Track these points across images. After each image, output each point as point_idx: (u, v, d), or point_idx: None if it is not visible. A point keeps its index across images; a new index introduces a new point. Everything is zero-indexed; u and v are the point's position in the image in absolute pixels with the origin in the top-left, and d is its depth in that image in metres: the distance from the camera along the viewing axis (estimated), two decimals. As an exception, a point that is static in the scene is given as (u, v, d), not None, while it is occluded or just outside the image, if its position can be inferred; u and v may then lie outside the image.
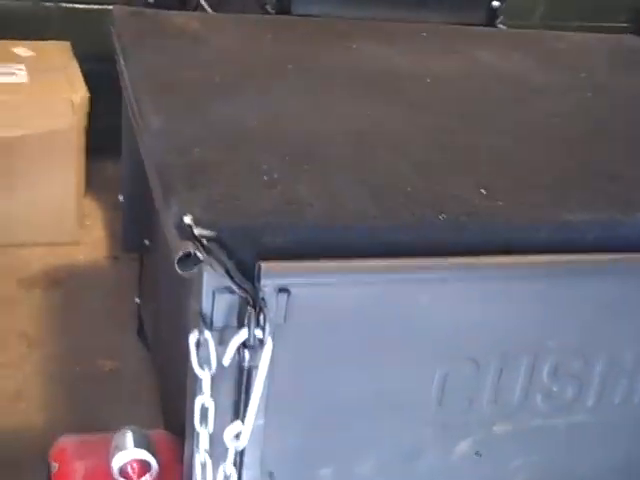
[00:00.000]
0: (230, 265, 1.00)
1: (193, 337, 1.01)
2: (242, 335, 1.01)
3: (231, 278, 0.99)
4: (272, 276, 1.00)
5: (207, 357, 1.01)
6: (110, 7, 2.79)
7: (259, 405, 1.06)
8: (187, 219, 0.98)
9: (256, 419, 1.06)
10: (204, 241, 0.98)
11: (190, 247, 0.96)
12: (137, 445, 1.28)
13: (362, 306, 1.08)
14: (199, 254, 0.96)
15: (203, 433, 1.03)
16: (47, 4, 3.10)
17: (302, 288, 1.04)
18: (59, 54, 3.01)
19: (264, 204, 1.05)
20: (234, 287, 1.00)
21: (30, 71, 2.87)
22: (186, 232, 0.98)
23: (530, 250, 1.11)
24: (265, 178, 1.09)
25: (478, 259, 1.08)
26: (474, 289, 1.12)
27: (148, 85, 1.36)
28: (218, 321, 1.03)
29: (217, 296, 1.01)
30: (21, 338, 2.61)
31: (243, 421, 1.03)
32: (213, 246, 0.99)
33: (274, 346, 1.05)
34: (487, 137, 1.36)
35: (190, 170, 1.09)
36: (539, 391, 1.24)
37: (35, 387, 2.45)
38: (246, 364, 1.02)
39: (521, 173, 1.25)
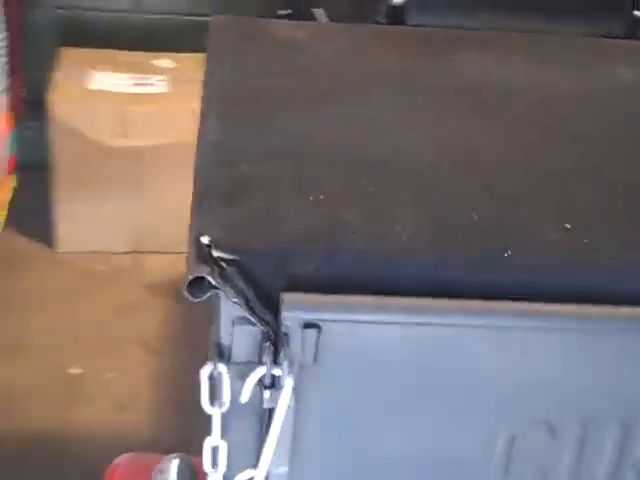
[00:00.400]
0: (250, 294, 0.89)
1: (206, 370, 0.91)
2: (258, 373, 0.90)
3: (249, 308, 0.89)
4: (296, 309, 0.89)
5: (221, 393, 0.91)
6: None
7: (281, 451, 0.95)
8: (204, 239, 0.89)
9: (277, 466, 0.95)
10: (223, 265, 0.89)
11: (204, 271, 0.87)
12: (180, 473, 1.23)
13: (409, 352, 0.93)
14: (212, 280, 0.87)
15: (213, 477, 0.93)
16: (191, 18, 3.14)
17: (336, 325, 0.91)
18: (199, 66, 3.03)
19: (298, 227, 0.93)
20: (252, 319, 0.90)
21: (168, 82, 2.91)
22: (204, 253, 0.89)
23: (618, 300, 0.94)
24: (311, 198, 0.98)
25: (550, 307, 0.91)
26: (546, 341, 0.95)
27: (222, 94, 1.27)
28: (237, 355, 0.92)
29: (236, 327, 0.91)
30: (141, 345, 2.63)
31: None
32: (232, 271, 0.89)
33: (303, 388, 0.93)
34: (593, 166, 1.17)
35: (230, 185, 1.00)
36: (631, 466, 1.04)
37: (146, 396, 2.45)
38: (265, 405, 0.92)
39: (624, 210, 1.07)
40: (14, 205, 2.87)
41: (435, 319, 0.91)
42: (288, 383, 0.89)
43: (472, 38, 1.66)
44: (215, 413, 0.89)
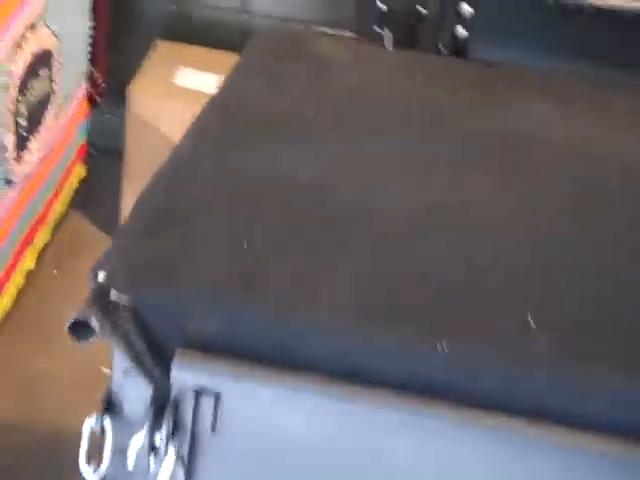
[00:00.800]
0: (142, 346, 0.78)
1: (88, 423, 0.81)
2: (139, 437, 0.80)
3: (138, 362, 0.78)
4: (189, 370, 0.77)
5: (101, 452, 0.81)
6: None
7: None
8: (100, 275, 0.79)
9: None
10: (116, 308, 0.78)
11: (87, 313, 0.77)
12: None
13: (317, 435, 0.80)
14: (95, 326, 0.76)
15: None
16: (295, 24, 3.07)
17: (236, 395, 0.80)
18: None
19: (211, 276, 0.80)
20: (141, 375, 0.79)
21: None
22: (98, 291, 0.79)
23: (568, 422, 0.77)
24: (244, 246, 0.86)
25: (478, 413, 0.76)
26: (466, 451, 0.79)
27: (215, 111, 1.17)
28: (128, 410, 0.81)
29: (128, 379, 0.81)
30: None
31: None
32: (125, 317, 0.78)
33: (198, 460, 0.81)
34: (604, 254, 0.95)
35: (160, 214, 0.88)
36: None
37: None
38: (149, 476, 0.81)
39: (612, 318, 0.85)
40: (84, 189, 2.87)
41: (343, 406, 0.77)
42: (170, 452, 0.78)
43: (531, 80, 1.48)
44: (88, 474, 0.79)
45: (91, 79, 2.64)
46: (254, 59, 1.45)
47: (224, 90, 1.31)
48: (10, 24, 1.87)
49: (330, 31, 2.69)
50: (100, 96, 2.71)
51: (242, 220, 0.89)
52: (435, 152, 1.17)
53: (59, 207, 2.51)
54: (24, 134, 2.01)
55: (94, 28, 2.56)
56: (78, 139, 2.60)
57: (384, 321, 0.78)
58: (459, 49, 1.72)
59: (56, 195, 2.45)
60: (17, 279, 2.15)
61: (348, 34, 2.66)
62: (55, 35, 2.17)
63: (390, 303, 0.81)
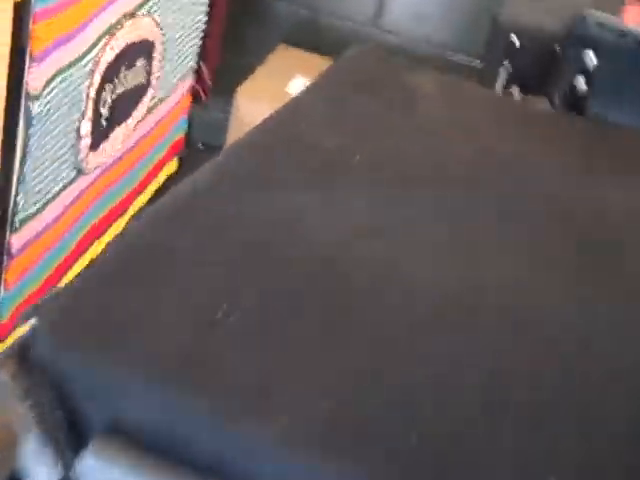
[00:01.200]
0: (58, 420, 0.65)
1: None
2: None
3: (49, 440, 0.65)
4: (103, 460, 0.63)
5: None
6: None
7: None
8: (31, 322, 0.66)
9: None
10: (39, 371, 0.65)
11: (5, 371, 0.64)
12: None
13: None
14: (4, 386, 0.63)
15: None
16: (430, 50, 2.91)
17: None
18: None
19: (156, 353, 0.65)
20: (51, 455, 0.65)
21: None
22: (20, 347, 0.66)
23: None
24: (218, 316, 0.70)
25: None
26: None
27: (264, 135, 1.02)
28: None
29: (36, 457, 0.67)
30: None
31: None
32: (45, 383, 0.65)
33: None
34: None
35: (128, 264, 0.73)
36: None
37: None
38: None
39: None
40: (176, 183, 2.80)
41: None
42: None
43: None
44: None
45: (198, 75, 2.56)
46: (331, 82, 1.30)
47: (280, 115, 1.17)
48: (102, 11, 1.79)
49: (453, 57, 2.49)
50: (205, 93, 2.63)
51: (221, 288, 0.73)
52: (497, 225, 0.98)
53: (141, 200, 2.44)
54: (105, 124, 1.93)
55: (208, 23, 2.49)
56: (174, 134, 2.52)
57: (350, 458, 0.61)
58: (575, 102, 1.51)
59: (140, 188, 2.37)
60: (78, 268, 2.08)
61: (473, 62, 2.45)
62: (159, 26, 2.09)
63: (363, 437, 0.63)
